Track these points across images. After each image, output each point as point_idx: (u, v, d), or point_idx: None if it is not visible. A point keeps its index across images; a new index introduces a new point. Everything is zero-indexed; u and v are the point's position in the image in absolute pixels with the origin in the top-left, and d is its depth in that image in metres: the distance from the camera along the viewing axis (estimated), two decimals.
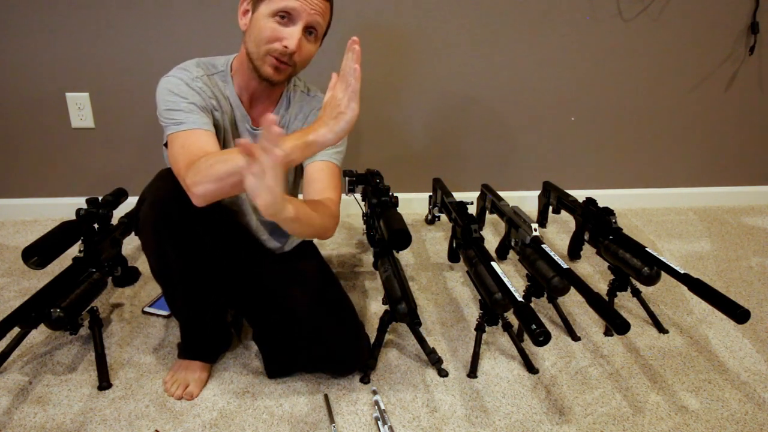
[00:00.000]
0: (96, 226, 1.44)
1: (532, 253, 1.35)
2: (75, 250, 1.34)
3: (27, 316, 1.12)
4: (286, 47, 1.08)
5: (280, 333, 1.22)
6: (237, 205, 1.28)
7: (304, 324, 1.18)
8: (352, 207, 1.92)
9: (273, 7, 1.07)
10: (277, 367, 1.23)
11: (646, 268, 1.30)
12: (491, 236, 2.03)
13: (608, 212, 1.52)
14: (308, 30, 1.11)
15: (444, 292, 1.63)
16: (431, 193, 2.03)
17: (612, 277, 1.45)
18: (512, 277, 1.73)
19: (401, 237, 1.27)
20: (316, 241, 1.50)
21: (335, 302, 1.25)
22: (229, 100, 1.21)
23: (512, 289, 1.10)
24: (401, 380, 1.23)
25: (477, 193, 2.02)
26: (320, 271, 1.36)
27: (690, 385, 1.23)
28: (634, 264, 1.34)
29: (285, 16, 1.08)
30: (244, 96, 1.22)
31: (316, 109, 1.26)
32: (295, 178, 1.35)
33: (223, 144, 1.20)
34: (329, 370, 1.23)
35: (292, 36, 1.08)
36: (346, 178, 1.74)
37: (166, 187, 1.07)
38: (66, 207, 2.06)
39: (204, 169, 0.96)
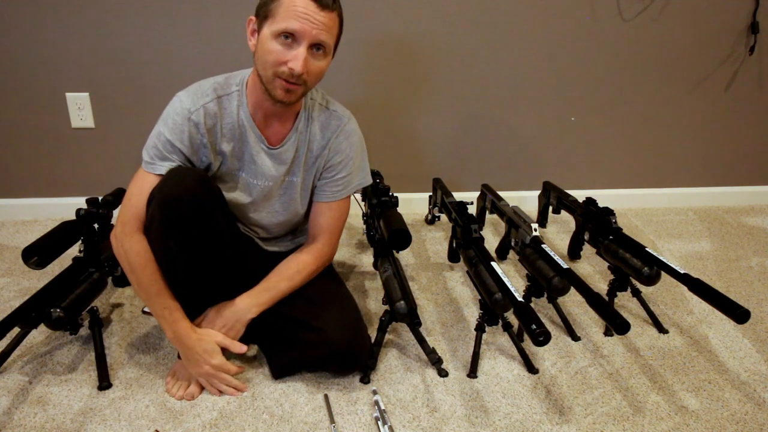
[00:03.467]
0: (96, 226, 1.44)
1: (532, 253, 1.35)
2: (75, 250, 1.35)
3: (27, 316, 1.12)
4: (292, 69, 1.05)
5: (285, 335, 1.22)
6: (237, 208, 1.28)
7: (309, 326, 1.18)
8: (353, 207, 1.91)
9: (275, 28, 1.03)
10: (282, 369, 1.23)
11: (646, 268, 1.30)
12: (491, 236, 2.03)
13: (608, 212, 1.52)
14: (315, 47, 1.07)
15: (444, 292, 1.63)
16: (431, 193, 2.03)
17: (612, 277, 1.45)
18: (512, 277, 1.73)
19: (401, 237, 1.28)
20: None
21: (338, 301, 1.25)
22: (243, 122, 1.18)
23: (512, 289, 1.10)
24: (401, 380, 1.23)
25: (477, 193, 2.02)
26: (325, 271, 1.36)
27: (690, 385, 1.23)
28: (634, 264, 1.34)
29: (289, 37, 1.04)
30: (258, 115, 1.18)
31: (337, 132, 1.25)
32: (307, 201, 1.33)
33: (222, 170, 1.20)
34: (332, 369, 1.23)
35: (296, 58, 1.04)
36: None
37: (176, 187, 1.07)
38: (66, 207, 2.06)
39: (139, 269, 1.10)
